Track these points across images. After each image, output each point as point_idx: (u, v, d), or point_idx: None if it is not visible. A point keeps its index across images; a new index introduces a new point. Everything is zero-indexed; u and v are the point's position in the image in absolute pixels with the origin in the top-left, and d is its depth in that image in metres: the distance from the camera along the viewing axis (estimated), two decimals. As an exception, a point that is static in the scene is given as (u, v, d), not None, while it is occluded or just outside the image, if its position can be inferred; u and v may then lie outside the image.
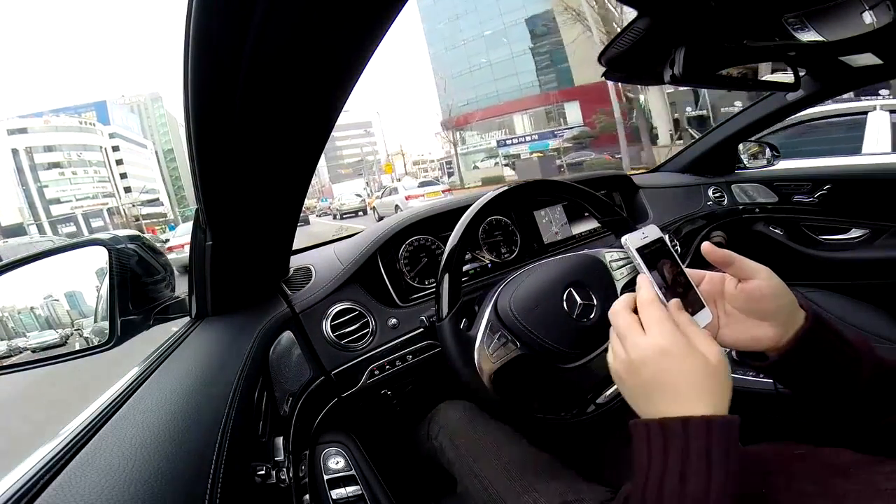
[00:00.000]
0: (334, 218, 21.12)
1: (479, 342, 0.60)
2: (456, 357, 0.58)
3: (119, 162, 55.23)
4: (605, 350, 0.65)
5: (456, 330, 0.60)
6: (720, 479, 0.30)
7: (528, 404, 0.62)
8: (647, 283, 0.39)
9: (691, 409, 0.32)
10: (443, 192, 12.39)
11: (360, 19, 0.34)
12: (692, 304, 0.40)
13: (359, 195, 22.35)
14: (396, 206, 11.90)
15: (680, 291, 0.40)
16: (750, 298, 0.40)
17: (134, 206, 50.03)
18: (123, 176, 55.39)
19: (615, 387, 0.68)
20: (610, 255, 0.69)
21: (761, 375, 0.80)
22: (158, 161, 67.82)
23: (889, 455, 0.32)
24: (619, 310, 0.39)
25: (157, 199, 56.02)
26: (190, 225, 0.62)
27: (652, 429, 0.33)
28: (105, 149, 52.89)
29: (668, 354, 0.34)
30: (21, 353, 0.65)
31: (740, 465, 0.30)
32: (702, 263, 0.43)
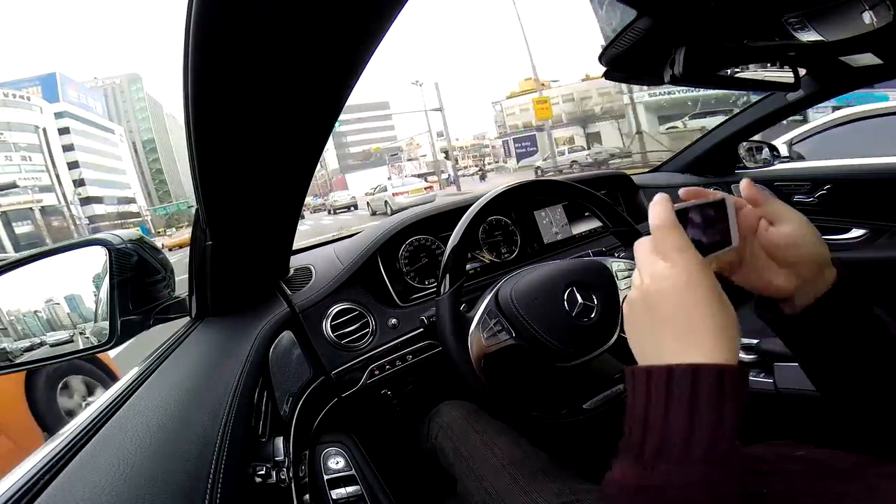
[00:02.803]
0: (328, 213, 23.93)
1: (475, 325, 0.60)
2: (449, 333, 0.59)
3: (69, 148, 40.40)
4: (601, 353, 0.65)
5: (454, 308, 0.60)
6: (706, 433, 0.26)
7: (518, 398, 0.63)
8: (662, 200, 0.33)
9: (708, 353, 0.28)
10: (425, 188, 13.49)
11: (363, 11, 0.34)
12: (720, 234, 0.36)
13: (349, 193, 28.44)
14: (386, 201, 13.30)
15: (711, 217, 0.36)
16: (772, 243, 0.38)
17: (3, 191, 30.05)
18: (74, 165, 40.87)
19: (605, 393, 0.69)
20: (617, 265, 0.70)
21: (762, 374, 0.80)
22: (137, 151, 56.17)
23: (888, 457, 0.32)
24: (641, 240, 0.34)
25: (17, 186, 31.82)
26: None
27: (637, 374, 0.29)
28: (43, 129, 37.19)
29: (691, 287, 0.29)
30: (41, 346, 0.67)
31: (739, 462, 0.28)
32: None
